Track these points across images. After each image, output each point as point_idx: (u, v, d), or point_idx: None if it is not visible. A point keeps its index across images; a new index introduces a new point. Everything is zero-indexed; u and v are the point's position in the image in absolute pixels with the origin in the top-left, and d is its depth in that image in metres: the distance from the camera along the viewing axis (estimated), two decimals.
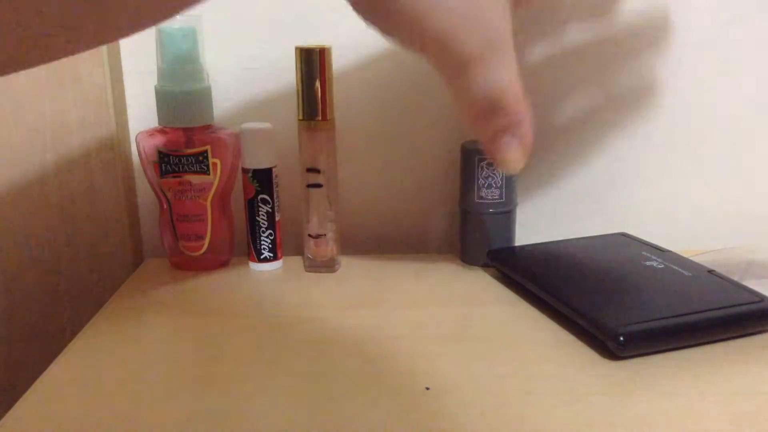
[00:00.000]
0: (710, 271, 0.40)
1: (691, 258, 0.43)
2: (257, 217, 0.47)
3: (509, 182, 0.45)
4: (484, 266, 0.47)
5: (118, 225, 0.49)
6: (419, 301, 0.42)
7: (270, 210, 0.47)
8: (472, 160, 0.45)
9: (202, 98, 0.45)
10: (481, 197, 0.45)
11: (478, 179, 0.45)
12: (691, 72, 0.51)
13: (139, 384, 0.33)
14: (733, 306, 0.36)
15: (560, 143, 0.52)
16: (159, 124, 0.45)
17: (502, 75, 0.26)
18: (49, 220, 0.49)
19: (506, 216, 0.47)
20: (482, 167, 0.44)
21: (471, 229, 0.47)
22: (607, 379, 0.32)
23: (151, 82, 0.45)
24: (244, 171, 0.46)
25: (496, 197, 0.45)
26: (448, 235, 0.53)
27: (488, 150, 0.28)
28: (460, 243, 0.49)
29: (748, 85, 0.51)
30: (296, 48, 0.43)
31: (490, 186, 0.45)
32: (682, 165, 0.53)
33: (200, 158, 0.45)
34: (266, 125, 0.46)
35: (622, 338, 0.33)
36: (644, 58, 0.51)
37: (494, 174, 0.45)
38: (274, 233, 0.47)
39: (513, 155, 0.28)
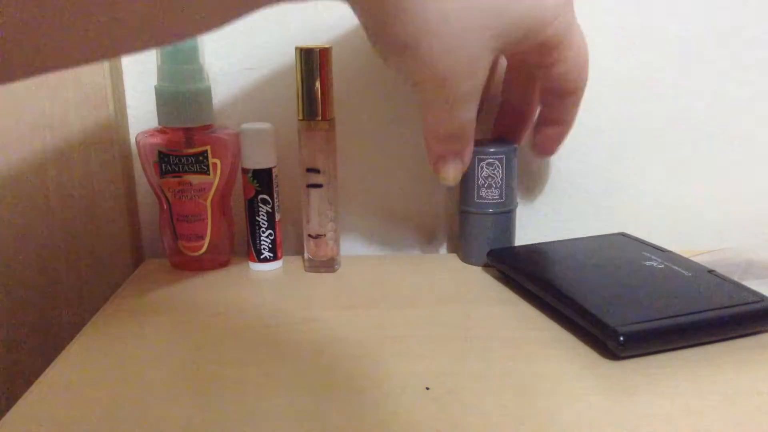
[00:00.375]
0: (710, 271, 0.40)
1: (691, 258, 0.43)
2: (257, 217, 0.47)
3: (509, 182, 0.45)
4: (484, 266, 0.47)
5: (118, 225, 0.50)
6: (419, 301, 0.42)
7: (270, 210, 0.47)
8: (471, 160, 0.45)
9: (202, 98, 0.45)
10: (481, 197, 0.45)
11: (478, 179, 0.45)
12: (690, 72, 0.51)
13: (139, 384, 0.33)
14: (733, 306, 0.36)
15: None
16: (159, 124, 0.45)
17: (473, 114, 0.34)
18: (49, 220, 0.49)
19: (506, 216, 0.47)
20: (482, 167, 0.44)
21: (471, 229, 0.47)
22: (607, 379, 0.32)
23: (151, 82, 0.45)
24: (244, 171, 0.46)
25: (496, 197, 0.45)
26: (448, 235, 0.53)
27: (435, 165, 0.37)
28: (460, 243, 0.49)
29: (748, 85, 0.51)
30: (296, 48, 0.43)
31: (490, 186, 0.45)
32: (682, 165, 0.53)
33: (200, 158, 0.45)
34: (266, 125, 0.46)
35: (622, 338, 0.33)
36: (643, 59, 0.51)
37: (494, 174, 0.45)
38: (274, 233, 0.47)
39: (454, 174, 0.37)
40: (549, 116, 0.42)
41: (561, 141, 0.43)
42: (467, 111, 0.33)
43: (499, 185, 0.45)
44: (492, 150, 0.44)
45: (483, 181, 0.45)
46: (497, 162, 0.44)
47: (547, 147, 0.44)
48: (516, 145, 0.46)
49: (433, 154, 0.37)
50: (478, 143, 0.44)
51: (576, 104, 0.40)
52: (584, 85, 0.39)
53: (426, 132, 0.35)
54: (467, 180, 0.45)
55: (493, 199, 0.45)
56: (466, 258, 0.48)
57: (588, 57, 0.37)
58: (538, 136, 0.44)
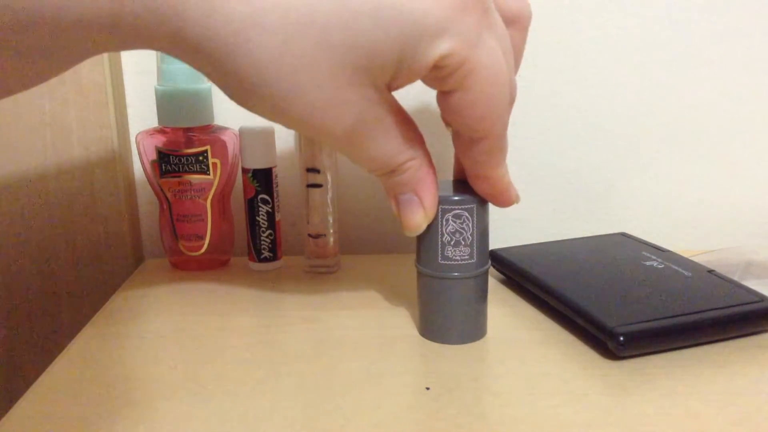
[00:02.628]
0: (710, 271, 0.40)
1: (691, 258, 0.43)
2: (257, 217, 0.47)
3: (481, 238, 0.35)
4: None
5: (118, 225, 0.50)
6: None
7: (270, 210, 0.47)
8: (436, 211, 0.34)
9: (202, 98, 0.45)
10: (446, 257, 0.35)
11: (443, 235, 0.35)
12: (690, 72, 0.51)
13: (139, 384, 0.33)
14: (733, 306, 0.36)
15: (560, 143, 0.52)
16: (159, 124, 0.45)
17: (387, 148, 0.28)
18: (49, 220, 0.49)
19: (477, 281, 0.36)
20: (447, 220, 0.34)
21: (432, 297, 0.37)
22: (607, 379, 0.32)
23: (151, 82, 0.46)
24: (244, 171, 0.46)
25: (465, 257, 0.35)
26: None
27: (394, 208, 0.32)
28: (419, 314, 0.38)
29: (749, 85, 0.51)
30: None
31: (458, 243, 0.35)
32: (681, 165, 0.53)
33: (200, 158, 0.45)
34: (266, 125, 0.46)
35: (622, 338, 0.33)
36: (639, 58, 0.51)
37: (463, 228, 0.35)
38: (274, 233, 0.47)
39: (413, 220, 0.32)
40: (467, 167, 0.33)
41: (501, 196, 0.33)
42: (372, 148, 0.27)
43: (468, 242, 0.35)
44: (457, 199, 0.34)
45: (449, 237, 0.35)
46: (466, 214, 0.34)
47: (492, 201, 0.34)
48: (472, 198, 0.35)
49: (388, 193, 0.32)
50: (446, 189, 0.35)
51: (490, 154, 0.30)
52: (499, 130, 0.29)
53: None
54: (429, 235, 0.35)
55: (462, 260, 0.35)
56: (425, 332, 0.37)
57: (505, 95, 0.27)
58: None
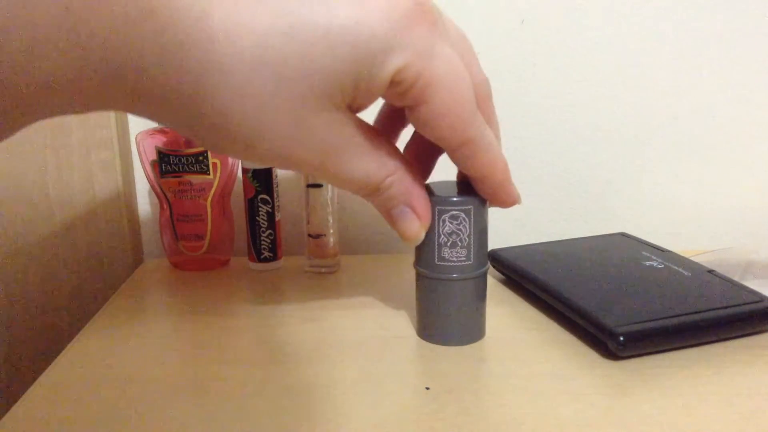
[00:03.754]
0: (710, 271, 0.40)
1: (691, 258, 0.43)
2: (257, 217, 0.47)
3: (479, 239, 0.35)
4: None
5: (118, 225, 0.49)
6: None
7: (270, 210, 0.47)
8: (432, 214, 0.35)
9: None
10: (443, 258, 0.36)
11: (440, 236, 0.35)
12: (690, 72, 0.51)
13: (139, 384, 0.33)
14: (733, 306, 0.36)
15: (560, 143, 0.52)
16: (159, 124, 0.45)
17: (356, 165, 0.28)
18: (49, 220, 0.49)
19: (475, 282, 0.36)
20: (444, 221, 0.35)
21: (430, 298, 0.37)
22: (607, 379, 0.32)
23: None
24: (244, 171, 0.46)
25: (462, 258, 0.35)
26: None
27: (389, 222, 0.32)
28: (417, 315, 0.38)
29: (748, 86, 0.51)
30: None
31: (454, 245, 0.35)
32: (681, 165, 0.53)
33: (200, 158, 0.45)
34: None
35: (622, 338, 0.33)
36: (641, 59, 0.51)
37: (460, 230, 0.35)
38: (274, 233, 0.47)
39: (410, 230, 0.32)
40: (462, 170, 0.32)
41: (501, 196, 0.33)
42: (348, 170, 0.27)
43: (465, 243, 0.35)
44: (454, 200, 0.34)
45: (446, 239, 0.35)
46: (463, 215, 0.34)
47: (494, 202, 0.34)
48: (472, 199, 0.34)
49: (380, 211, 0.32)
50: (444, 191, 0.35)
51: (474, 157, 0.30)
52: (472, 133, 0.28)
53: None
54: (426, 237, 0.34)
55: (459, 261, 0.35)
56: (424, 334, 0.37)
57: (470, 99, 0.27)
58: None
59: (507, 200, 0.33)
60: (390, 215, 0.32)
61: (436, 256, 0.35)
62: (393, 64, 0.24)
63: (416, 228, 0.32)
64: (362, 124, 0.28)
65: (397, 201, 0.31)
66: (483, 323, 0.37)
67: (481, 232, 0.35)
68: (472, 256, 0.35)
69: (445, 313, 0.36)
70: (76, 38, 0.19)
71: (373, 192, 0.29)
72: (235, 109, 0.23)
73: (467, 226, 0.34)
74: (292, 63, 0.23)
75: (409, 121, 0.28)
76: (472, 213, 0.34)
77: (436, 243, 0.35)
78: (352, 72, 0.24)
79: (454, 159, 0.31)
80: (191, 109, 0.23)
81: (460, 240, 0.35)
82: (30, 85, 0.19)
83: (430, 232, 0.34)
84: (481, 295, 0.36)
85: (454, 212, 0.34)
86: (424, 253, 0.35)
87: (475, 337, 0.37)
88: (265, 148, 0.24)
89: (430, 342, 0.37)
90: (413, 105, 0.27)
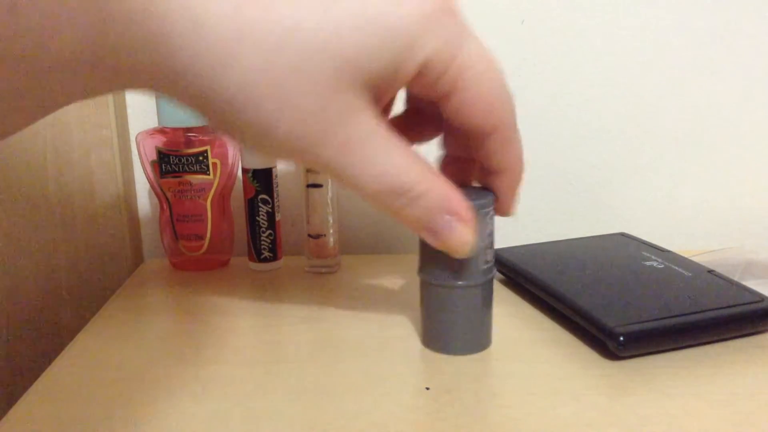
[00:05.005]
0: (710, 271, 0.40)
1: (691, 258, 0.43)
2: (257, 217, 0.47)
3: (487, 242, 0.34)
4: None
5: (118, 225, 0.49)
6: (419, 301, 0.42)
7: (270, 210, 0.47)
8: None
9: None
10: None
11: None
12: (690, 72, 0.51)
13: (139, 384, 0.33)
14: (733, 306, 0.36)
15: (560, 143, 0.52)
16: (159, 124, 0.45)
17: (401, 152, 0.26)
18: (49, 220, 0.49)
19: (482, 289, 0.35)
20: None
21: (435, 306, 0.35)
22: (607, 379, 0.32)
23: None
24: (244, 171, 0.46)
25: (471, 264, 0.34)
26: None
27: (431, 239, 0.29)
28: (423, 325, 0.37)
29: (748, 86, 0.51)
30: None
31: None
32: (681, 165, 0.53)
33: (200, 158, 0.45)
34: None
35: (622, 338, 0.33)
36: (643, 59, 0.51)
37: None
38: (274, 233, 0.47)
39: (460, 239, 0.29)
40: (484, 165, 0.31)
41: (511, 195, 0.32)
42: (373, 161, 0.25)
43: (480, 246, 0.33)
44: (478, 202, 0.32)
45: None
46: (480, 216, 0.32)
47: (502, 201, 0.33)
48: (492, 194, 0.33)
49: (415, 228, 0.28)
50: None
51: (504, 145, 0.29)
52: (508, 119, 0.28)
53: (379, 205, 0.26)
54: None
55: (467, 268, 0.33)
56: (429, 343, 0.36)
57: (505, 82, 0.27)
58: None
59: (514, 203, 0.32)
60: (432, 230, 0.28)
61: (443, 263, 0.33)
62: (424, 49, 0.24)
63: (469, 237, 0.29)
64: (385, 121, 0.26)
65: (437, 211, 0.27)
66: (490, 332, 0.36)
67: (488, 238, 0.33)
68: (480, 262, 0.33)
69: (451, 322, 0.34)
70: (98, 11, 0.18)
71: (403, 198, 0.26)
72: (259, 82, 0.22)
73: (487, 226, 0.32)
74: (322, 41, 0.22)
75: (443, 113, 0.28)
76: (480, 220, 0.32)
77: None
78: (382, 57, 0.23)
79: (484, 150, 0.29)
80: (214, 83, 0.22)
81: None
82: (49, 61, 0.18)
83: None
84: (488, 303, 0.35)
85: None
86: (429, 260, 0.34)
87: (481, 346, 0.36)
88: (282, 132, 0.23)
89: (436, 351, 0.35)
90: (447, 92, 0.26)
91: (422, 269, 0.35)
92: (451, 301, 0.34)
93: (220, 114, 0.23)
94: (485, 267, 0.34)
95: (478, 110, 0.27)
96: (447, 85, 0.26)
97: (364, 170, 0.25)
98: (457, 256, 0.30)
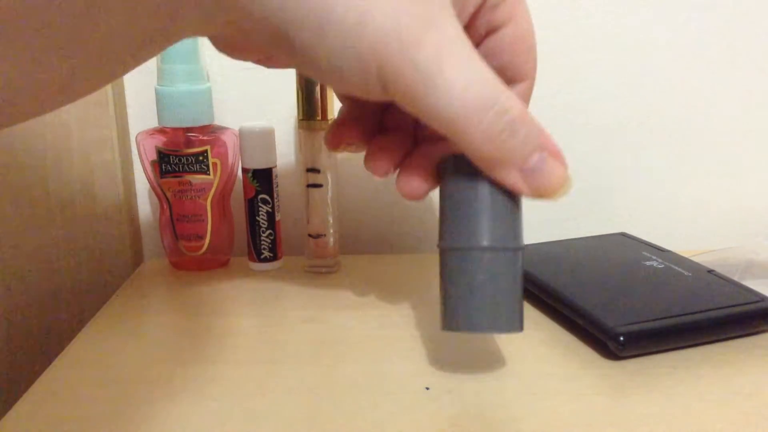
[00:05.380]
0: (710, 271, 0.40)
1: (691, 258, 0.43)
2: (257, 217, 0.47)
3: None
4: None
5: (118, 225, 0.49)
6: (419, 300, 0.42)
7: (270, 210, 0.47)
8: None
9: (202, 98, 0.45)
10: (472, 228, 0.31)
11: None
12: (690, 72, 0.51)
13: (139, 384, 0.33)
14: (733, 306, 0.36)
15: (560, 143, 0.52)
16: (159, 124, 0.45)
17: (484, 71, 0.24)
18: (49, 220, 0.49)
19: (514, 257, 0.30)
20: None
21: (459, 275, 0.29)
22: (607, 379, 0.32)
23: (151, 82, 0.45)
24: (244, 171, 0.46)
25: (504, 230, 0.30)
26: None
27: (521, 183, 0.26)
28: (444, 301, 0.33)
29: (749, 86, 0.51)
30: None
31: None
32: (681, 165, 0.53)
33: (200, 158, 0.45)
34: (266, 125, 0.46)
35: (622, 338, 0.33)
36: (642, 59, 0.51)
37: None
38: (274, 233, 0.47)
39: (556, 179, 0.26)
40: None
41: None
42: (467, 68, 0.22)
43: (507, 212, 0.29)
44: None
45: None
46: None
47: None
48: None
49: (502, 170, 0.25)
50: None
51: (526, 98, 0.29)
52: (536, 68, 0.28)
53: (463, 140, 0.23)
54: (461, 205, 0.28)
55: (502, 230, 0.28)
56: (452, 321, 0.29)
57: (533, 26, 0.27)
58: None
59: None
60: (525, 172, 0.25)
61: (477, 224, 0.28)
62: None
63: (565, 173, 0.25)
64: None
65: (531, 146, 0.24)
66: (521, 311, 0.30)
67: (518, 203, 0.29)
68: (514, 226, 0.29)
69: (483, 291, 0.28)
70: None
71: (492, 111, 0.22)
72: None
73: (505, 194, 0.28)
74: None
75: (487, 48, 0.26)
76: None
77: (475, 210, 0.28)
78: None
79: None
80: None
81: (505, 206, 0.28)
82: None
83: (468, 200, 0.28)
84: (522, 274, 0.29)
85: None
86: (458, 223, 0.28)
87: (513, 324, 0.29)
88: (371, 30, 0.20)
89: (460, 330, 0.29)
90: (500, 23, 0.25)
91: (445, 237, 0.29)
92: (497, 266, 0.28)
93: (302, 20, 0.20)
94: (511, 232, 0.29)
95: (523, 48, 0.26)
96: (504, 14, 0.25)
97: (456, 78, 0.21)
98: (553, 198, 0.26)
